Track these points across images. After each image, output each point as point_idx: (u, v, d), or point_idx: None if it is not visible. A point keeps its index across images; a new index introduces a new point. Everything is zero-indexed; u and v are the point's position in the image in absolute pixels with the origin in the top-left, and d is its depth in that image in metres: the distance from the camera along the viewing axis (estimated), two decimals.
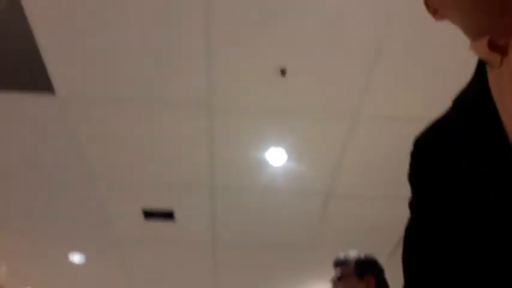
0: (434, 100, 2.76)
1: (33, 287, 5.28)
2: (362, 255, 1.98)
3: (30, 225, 4.19)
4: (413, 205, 0.76)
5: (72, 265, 4.79)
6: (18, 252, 4.64)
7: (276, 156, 3.28)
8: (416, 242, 0.71)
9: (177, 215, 3.93)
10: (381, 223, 3.93)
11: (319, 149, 3.22)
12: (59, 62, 2.63)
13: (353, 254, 1.99)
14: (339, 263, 1.99)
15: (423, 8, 0.76)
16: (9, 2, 2.24)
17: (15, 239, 4.40)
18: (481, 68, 0.70)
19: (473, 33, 0.69)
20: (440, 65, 2.59)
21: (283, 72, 2.59)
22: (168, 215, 3.94)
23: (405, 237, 0.75)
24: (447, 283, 0.64)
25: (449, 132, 0.70)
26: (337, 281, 1.95)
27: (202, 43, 2.49)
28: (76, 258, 4.69)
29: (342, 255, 2.01)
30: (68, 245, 4.51)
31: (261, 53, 2.55)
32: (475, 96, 0.69)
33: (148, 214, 3.94)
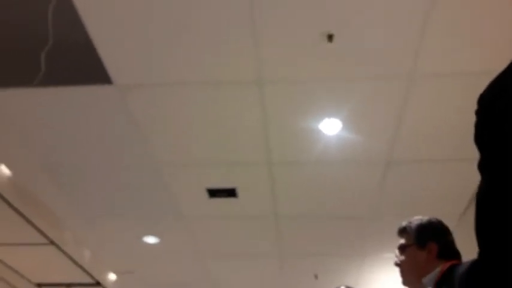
0: (494, 53, 2.60)
1: (114, 269, 5.65)
2: (424, 221, 1.89)
3: (103, 213, 4.45)
4: (482, 167, 0.71)
5: (147, 246, 5.06)
6: (98, 239, 4.96)
7: (331, 126, 3.24)
8: (489, 206, 0.67)
9: (239, 191, 4.02)
10: (446, 187, 3.79)
11: (375, 114, 3.14)
12: (113, 52, 2.74)
13: (415, 221, 1.90)
14: (400, 232, 1.94)
15: None
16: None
17: (94, 227, 4.70)
18: None
19: None
20: (498, 15, 2.42)
21: (330, 37, 2.53)
22: (231, 192, 4.04)
23: (477, 202, 0.71)
24: None
25: None
26: (399, 251, 1.91)
27: (246, 16, 2.49)
28: (150, 239, 4.95)
29: (403, 223, 1.94)
30: (141, 228, 4.74)
31: (304, 20, 2.50)
32: None
33: (212, 193, 4.06)
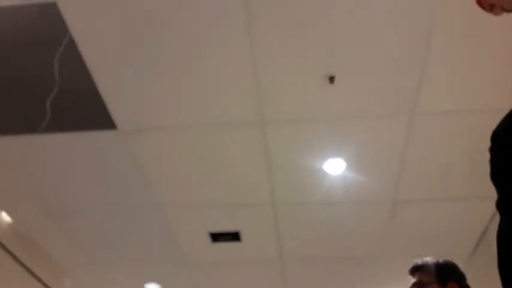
0: (495, 91, 2.63)
1: None
2: (441, 261, 1.86)
3: (105, 259, 4.36)
4: (501, 205, 0.68)
5: None
6: (99, 286, 4.83)
7: (335, 166, 3.23)
8: (511, 245, 0.65)
9: (243, 235, 3.96)
10: (455, 226, 3.73)
11: (378, 153, 3.14)
12: (117, 98, 2.77)
13: (431, 259, 1.88)
14: (416, 270, 1.89)
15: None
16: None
17: (93, 273, 4.59)
18: None
19: None
20: (499, 53, 2.46)
21: (331, 79, 2.57)
22: (235, 236, 3.97)
23: (498, 242, 0.68)
24: None
25: None
26: None
27: (248, 58, 2.54)
28: (152, 287, 4.82)
29: (419, 261, 1.91)
30: (143, 275, 4.64)
31: (306, 63, 2.55)
32: None
33: (215, 237, 4.00)
